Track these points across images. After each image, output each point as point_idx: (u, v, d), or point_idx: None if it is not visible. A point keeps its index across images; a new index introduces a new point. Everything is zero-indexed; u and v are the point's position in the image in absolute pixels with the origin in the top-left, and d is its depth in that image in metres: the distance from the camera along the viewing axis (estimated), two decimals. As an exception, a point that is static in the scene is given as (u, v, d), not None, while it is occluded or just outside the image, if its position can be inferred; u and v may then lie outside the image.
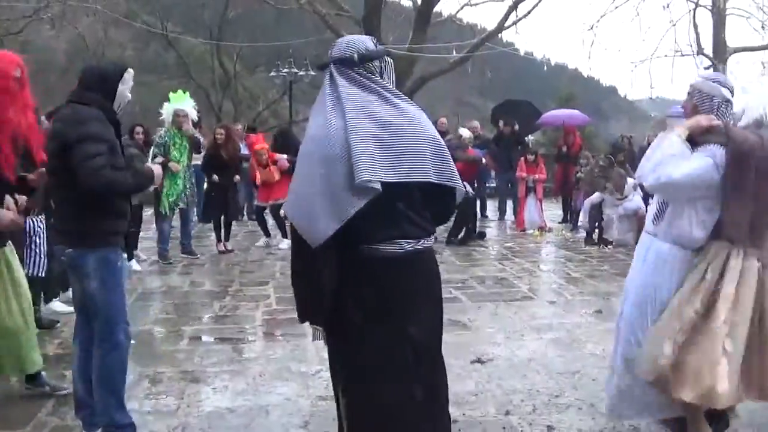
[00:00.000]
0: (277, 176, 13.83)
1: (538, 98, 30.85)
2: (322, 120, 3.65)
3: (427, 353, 3.84)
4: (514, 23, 22.47)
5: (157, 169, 5.25)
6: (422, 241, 3.77)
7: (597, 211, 15.03)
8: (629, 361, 4.90)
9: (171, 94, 12.70)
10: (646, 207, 15.77)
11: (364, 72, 3.78)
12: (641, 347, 4.75)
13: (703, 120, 4.72)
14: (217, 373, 6.58)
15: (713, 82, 4.92)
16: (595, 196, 15.07)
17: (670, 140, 4.78)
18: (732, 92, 4.85)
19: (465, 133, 16.12)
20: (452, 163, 3.80)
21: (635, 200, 14.71)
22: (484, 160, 17.32)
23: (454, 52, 22.84)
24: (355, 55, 3.77)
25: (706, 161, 4.56)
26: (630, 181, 14.58)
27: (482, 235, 15.32)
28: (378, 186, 3.47)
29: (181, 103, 12.45)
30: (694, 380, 4.44)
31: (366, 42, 3.88)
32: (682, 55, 20.60)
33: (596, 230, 15.13)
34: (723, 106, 4.82)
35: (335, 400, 4.10)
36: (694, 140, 4.68)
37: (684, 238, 4.72)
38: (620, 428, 5.33)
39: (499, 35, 24.58)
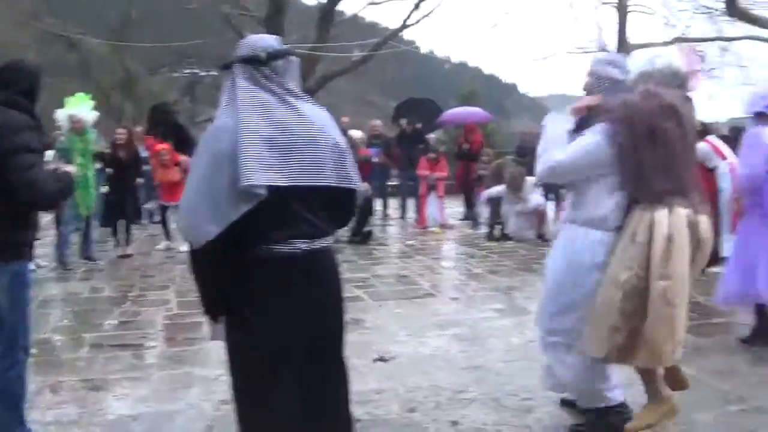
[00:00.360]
0: (178, 176, 13.49)
1: (440, 96, 31.03)
2: (217, 118, 3.63)
3: (325, 353, 3.81)
4: (417, 22, 22.61)
5: (73, 173, 5.10)
6: (318, 241, 3.72)
7: (497, 204, 15.17)
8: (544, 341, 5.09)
9: (67, 99, 12.38)
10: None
11: (268, 72, 3.72)
12: (586, 326, 4.72)
13: (585, 100, 4.81)
14: (119, 380, 6.41)
15: (604, 64, 5.01)
16: (494, 190, 15.20)
17: (553, 126, 4.90)
18: (626, 72, 4.92)
19: (356, 134, 16.15)
20: (353, 165, 3.82)
21: (534, 198, 14.90)
22: (376, 159, 17.33)
23: (357, 51, 22.85)
24: (262, 54, 3.71)
25: (593, 138, 4.65)
26: (530, 179, 14.75)
27: (369, 235, 15.25)
28: (263, 191, 3.43)
29: (78, 106, 12.10)
30: (647, 345, 4.46)
31: (271, 41, 3.83)
32: (585, 52, 20.91)
33: (497, 226, 15.28)
34: (612, 86, 4.87)
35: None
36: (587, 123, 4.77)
37: (594, 219, 4.77)
38: (525, 421, 5.37)
39: (402, 34, 24.68)
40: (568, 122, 4.89)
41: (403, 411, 5.60)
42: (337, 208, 3.88)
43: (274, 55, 3.74)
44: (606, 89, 4.87)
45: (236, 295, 3.67)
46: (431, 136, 19.64)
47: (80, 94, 12.58)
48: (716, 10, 16.96)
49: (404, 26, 23.06)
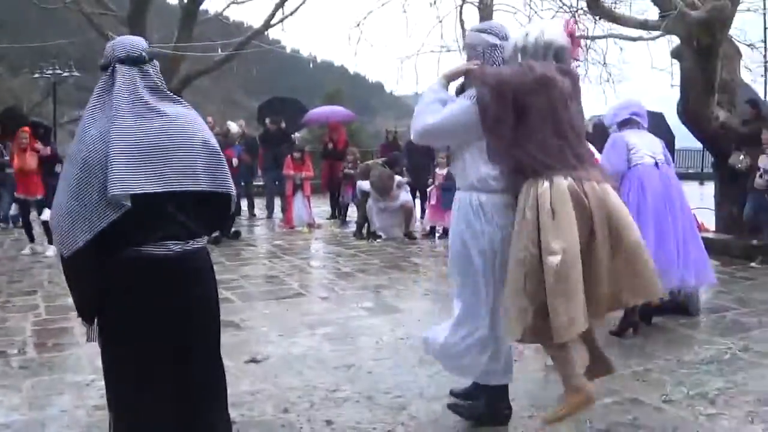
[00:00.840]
0: (33, 164, 13.27)
1: (305, 96, 31.01)
2: (89, 122, 3.58)
3: (200, 354, 3.82)
4: (281, 21, 22.46)
5: None
6: (191, 242, 3.74)
7: (364, 201, 15.26)
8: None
9: None
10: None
11: (146, 71, 3.72)
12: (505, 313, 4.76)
13: (461, 66, 4.91)
14: (-15, 388, 6.23)
15: (477, 31, 5.09)
16: (364, 184, 15.31)
17: (427, 91, 4.97)
18: (502, 37, 4.94)
19: (233, 127, 15.86)
20: (226, 168, 3.84)
21: (402, 196, 15.06)
22: (236, 161, 17.19)
23: (220, 50, 22.61)
24: (145, 55, 3.71)
25: (463, 103, 4.74)
26: (398, 178, 14.92)
27: (237, 235, 15.17)
28: (128, 203, 3.44)
29: None
30: (550, 323, 4.46)
31: (143, 42, 3.80)
32: (448, 51, 21.13)
33: (365, 224, 15.37)
34: (489, 51, 4.92)
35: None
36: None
37: (474, 183, 4.85)
38: (398, 418, 5.42)
39: (266, 33, 24.52)
40: (444, 88, 4.97)
41: (277, 412, 5.57)
42: (212, 210, 3.88)
43: (151, 57, 3.74)
44: (484, 55, 4.93)
45: (108, 297, 3.64)
46: (296, 136, 19.65)
47: None
48: (579, 9, 17.32)
49: (268, 25, 22.90)
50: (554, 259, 4.36)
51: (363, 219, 15.41)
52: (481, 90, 4.64)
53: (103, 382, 4.82)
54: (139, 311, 3.62)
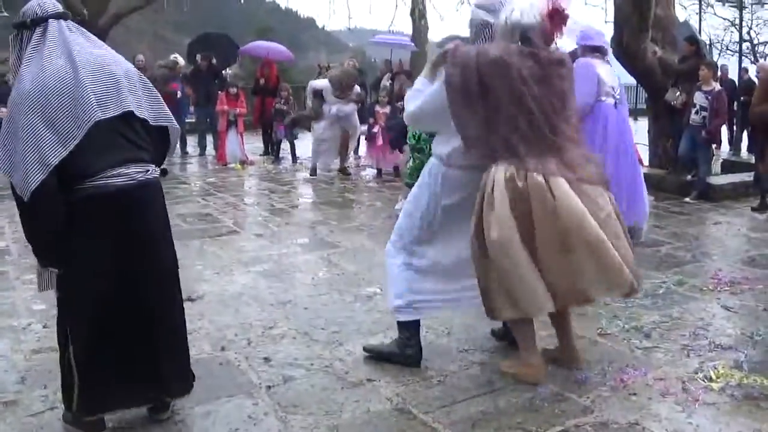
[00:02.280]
0: None
1: (235, 32, 30.58)
2: (34, 67, 3.82)
3: (163, 282, 4.19)
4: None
5: None
6: (150, 170, 4.01)
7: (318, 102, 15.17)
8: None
9: None
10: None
11: (75, 25, 4.09)
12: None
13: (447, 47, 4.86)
14: None
15: (474, 7, 5.01)
16: (318, 83, 15.31)
17: (416, 79, 5.04)
18: (494, 13, 4.79)
19: (180, 60, 15.31)
20: (163, 102, 4.20)
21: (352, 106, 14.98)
22: (179, 95, 16.99)
23: (149, -14, 22.20)
24: (67, 11, 4.09)
25: (438, 86, 4.69)
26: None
27: (165, 173, 14.95)
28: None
29: None
30: (489, 302, 4.72)
31: None
32: (384, -15, 20.99)
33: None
34: (480, 28, 4.85)
35: (60, 350, 4.14)
36: None
37: (441, 155, 4.94)
38: (336, 353, 5.43)
39: (194, -33, 24.12)
40: (426, 73, 4.95)
41: (214, 350, 5.55)
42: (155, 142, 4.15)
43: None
44: (476, 32, 4.88)
45: (72, 231, 3.79)
46: (227, 72, 19.39)
47: None
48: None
49: (197, -41, 22.60)
50: (490, 246, 4.55)
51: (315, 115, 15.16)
52: (450, 70, 4.58)
53: (40, 326, 4.88)
54: (104, 239, 3.85)
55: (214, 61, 18.56)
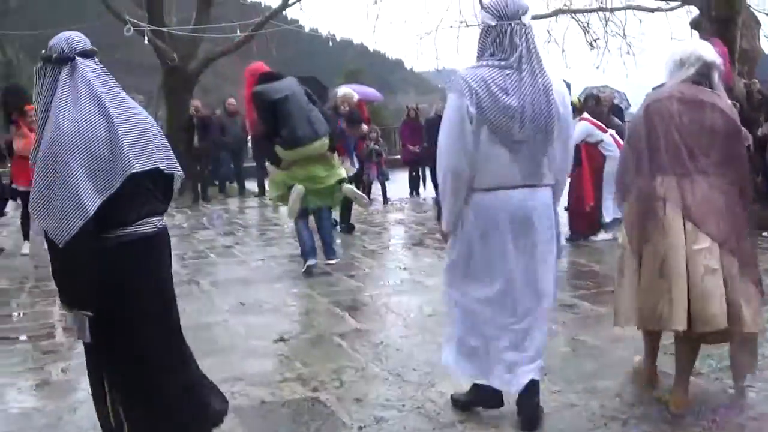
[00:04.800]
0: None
1: (325, 74, 30.86)
2: (66, 108, 3.82)
3: (173, 316, 4.28)
4: (298, 0, 22.44)
5: None
6: (163, 218, 4.16)
7: None
8: None
9: None
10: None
11: (99, 64, 4.11)
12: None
13: None
14: (21, 373, 6.22)
15: (482, 9, 4.94)
16: None
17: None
18: (499, 17, 4.44)
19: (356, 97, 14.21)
20: (170, 149, 4.28)
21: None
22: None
23: (239, 31, 22.56)
24: (95, 48, 4.13)
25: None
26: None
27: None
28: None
29: None
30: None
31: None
32: (467, 26, 21.00)
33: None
34: (483, 32, 4.57)
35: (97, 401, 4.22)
36: None
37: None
38: (428, 395, 5.41)
39: (284, 12, 24.49)
40: None
41: (306, 391, 5.58)
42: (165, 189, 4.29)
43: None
44: (480, 35, 4.63)
45: (104, 280, 3.84)
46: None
47: None
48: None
49: (285, 5, 22.86)
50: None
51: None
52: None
53: None
54: (137, 289, 3.94)
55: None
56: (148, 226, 3.96)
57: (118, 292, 3.89)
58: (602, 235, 11.30)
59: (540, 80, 4.41)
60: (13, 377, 6.17)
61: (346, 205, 12.77)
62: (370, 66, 55.55)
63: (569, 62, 23.25)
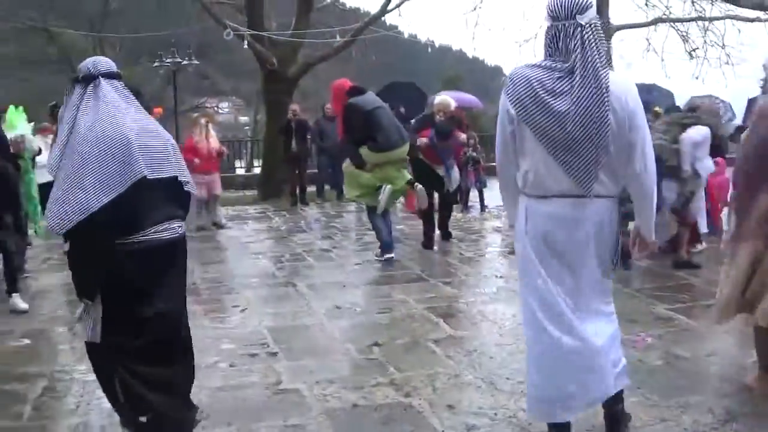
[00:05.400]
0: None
1: (423, 80, 30.96)
2: (88, 119, 4.25)
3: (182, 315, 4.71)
4: (397, 6, 22.45)
5: None
6: (183, 224, 4.55)
7: None
8: None
9: (11, 113, 11.89)
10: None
11: (123, 86, 4.51)
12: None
13: None
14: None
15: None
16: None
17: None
18: (553, 17, 4.24)
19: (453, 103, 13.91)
20: (185, 165, 4.65)
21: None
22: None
23: (338, 36, 22.72)
24: (119, 71, 4.54)
25: None
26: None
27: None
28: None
29: (17, 126, 11.41)
30: None
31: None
32: (565, 32, 20.90)
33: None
34: (545, 32, 4.37)
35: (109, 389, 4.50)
36: None
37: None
38: (520, 404, 5.36)
39: (383, 18, 24.59)
40: None
41: (399, 396, 5.61)
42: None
43: (119, 74, 4.55)
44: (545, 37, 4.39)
45: (116, 279, 4.24)
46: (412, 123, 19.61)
47: (12, 109, 12.02)
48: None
49: (384, 11, 22.93)
50: None
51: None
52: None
53: (226, 364, 5.12)
54: (149, 284, 4.35)
55: (402, 109, 18.83)
56: (169, 232, 4.38)
57: (125, 293, 4.28)
58: (699, 247, 11.09)
59: (593, 83, 4.10)
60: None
61: (445, 212, 12.85)
62: (468, 72, 55.43)
63: (669, 71, 22.94)
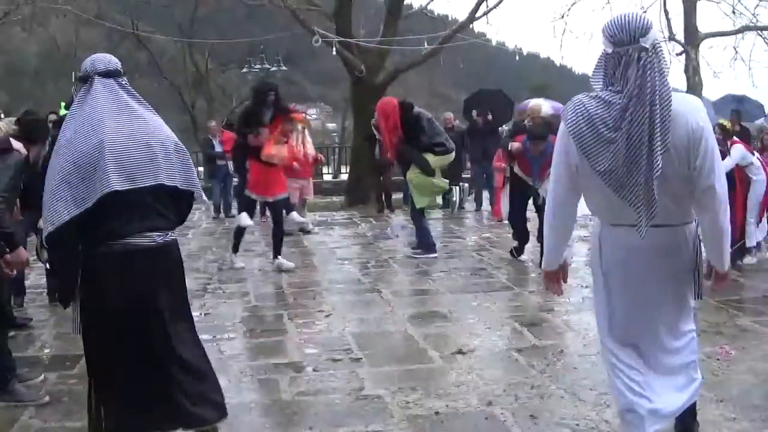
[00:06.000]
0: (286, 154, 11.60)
1: (511, 88, 30.79)
2: (74, 124, 4.30)
3: (170, 326, 4.44)
4: (485, 13, 22.36)
5: None
6: (170, 233, 4.47)
7: None
8: None
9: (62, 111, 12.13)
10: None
11: (122, 83, 4.44)
12: None
13: None
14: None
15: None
16: None
17: None
18: (615, 42, 3.94)
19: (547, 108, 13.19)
20: (192, 168, 4.63)
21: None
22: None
23: (426, 44, 22.72)
24: (119, 68, 4.46)
25: None
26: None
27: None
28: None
29: None
30: None
31: (116, 60, 4.51)
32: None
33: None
34: (603, 59, 4.10)
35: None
36: None
37: None
38: (603, 416, 5.33)
39: (471, 26, 24.53)
40: None
41: (481, 404, 5.61)
42: (180, 205, 4.61)
43: (124, 72, 4.48)
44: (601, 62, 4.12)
45: (92, 283, 4.30)
46: (503, 129, 19.55)
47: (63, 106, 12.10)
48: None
49: (472, 18, 22.84)
50: None
51: None
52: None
53: (310, 368, 5.17)
54: (122, 295, 4.28)
55: (489, 116, 18.80)
56: (146, 239, 4.29)
57: (98, 298, 4.30)
58: (747, 260, 10.91)
59: (650, 111, 3.82)
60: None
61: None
62: (556, 81, 54.98)
63: (756, 80, 22.58)
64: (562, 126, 4.16)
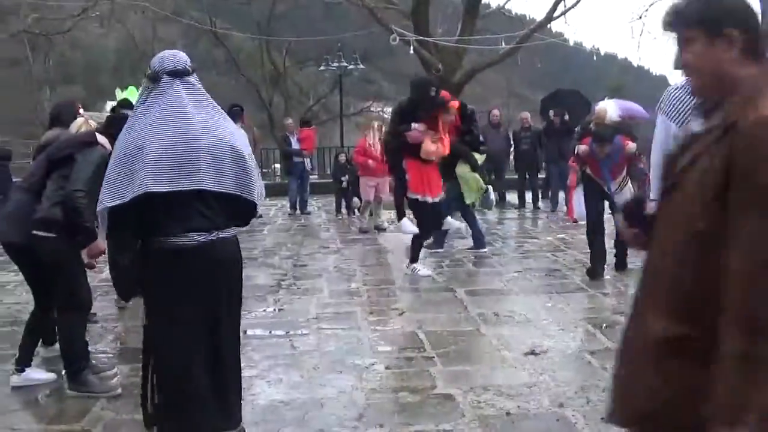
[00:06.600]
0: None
1: (588, 88, 30.50)
2: (138, 122, 4.36)
3: (216, 325, 4.47)
4: (563, 13, 22.20)
5: None
6: (215, 232, 4.38)
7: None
8: None
9: (119, 92, 12.23)
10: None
11: (190, 82, 4.42)
12: None
13: None
14: (272, 366, 6.64)
15: None
16: None
17: None
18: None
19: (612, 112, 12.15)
20: (249, 174, 4.51)
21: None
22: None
23: (503, 43, 22.62)
24: (188, 67, 4.44)
25: None
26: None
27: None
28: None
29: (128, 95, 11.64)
30: None
31: (186, 57, 4.51)
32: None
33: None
34: None
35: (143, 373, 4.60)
36: None
37: None
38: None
39: (548, 25, 24.38)
40: None
41: (553, 406, 5.61)
42: (237, 208, 4.56)
43: (193, 69, 4.47)
44: None
45: (146, 277, 4.44)
46: (577, 129, 19.42)
47: (132, 88, 12.44)
48: None
49: (550, 18, 22.69)
50: None
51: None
52: None
53: (383, 366, 5.17)
54: (169, 290, 4.35)
55: (566, 116, 18.69)
56: (183, 239, 4.28)
57: (154, 292, 4.44)
58: None
59: None
60: (263, 370, 6.59)
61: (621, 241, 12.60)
62: (634, 82, 54.35)
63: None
64: (659, 117, 4.23)
